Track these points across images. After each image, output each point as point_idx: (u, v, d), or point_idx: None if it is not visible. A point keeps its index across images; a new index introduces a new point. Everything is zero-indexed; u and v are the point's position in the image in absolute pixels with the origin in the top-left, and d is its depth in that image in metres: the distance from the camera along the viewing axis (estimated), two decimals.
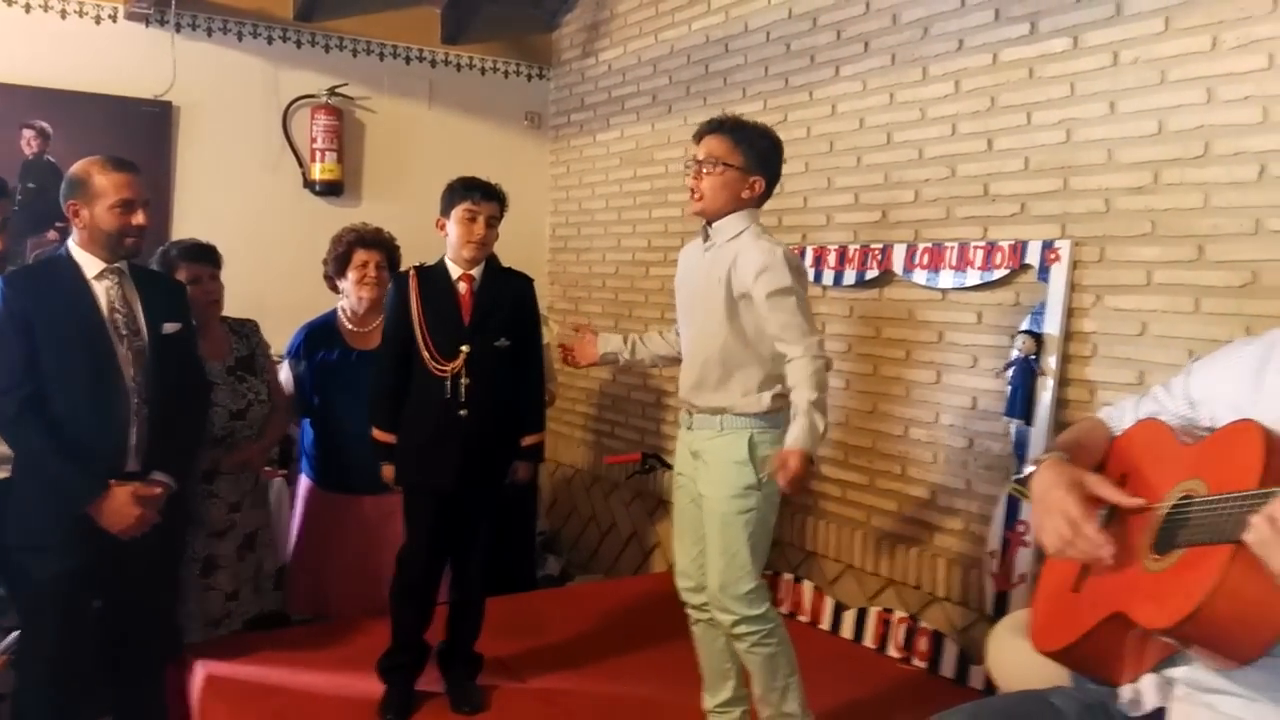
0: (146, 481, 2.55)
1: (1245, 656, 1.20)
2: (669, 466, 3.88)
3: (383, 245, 3.31)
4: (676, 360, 2.67)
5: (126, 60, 4.12)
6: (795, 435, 2.22)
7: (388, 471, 2.71)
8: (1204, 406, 1.46)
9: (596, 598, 3.67)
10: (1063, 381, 2.70)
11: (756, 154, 2.38)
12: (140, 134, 4.10)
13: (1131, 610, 1.32)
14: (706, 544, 2.38)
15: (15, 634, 2.74)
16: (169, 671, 2.91)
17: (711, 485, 2.36)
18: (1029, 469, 1.51)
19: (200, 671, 2.84)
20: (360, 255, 3.26)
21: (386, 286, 3.21)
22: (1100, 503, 1.45)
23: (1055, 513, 1.41)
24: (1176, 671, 1.37)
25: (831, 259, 3.35)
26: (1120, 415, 1.60)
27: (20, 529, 2.53)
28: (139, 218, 2.55)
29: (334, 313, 3.37)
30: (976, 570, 2.90)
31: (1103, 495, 1.42)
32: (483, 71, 4.87)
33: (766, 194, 2.42)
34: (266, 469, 3.35)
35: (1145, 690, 1.39)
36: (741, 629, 2.32)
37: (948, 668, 2.94)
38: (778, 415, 2.37)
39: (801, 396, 2.24)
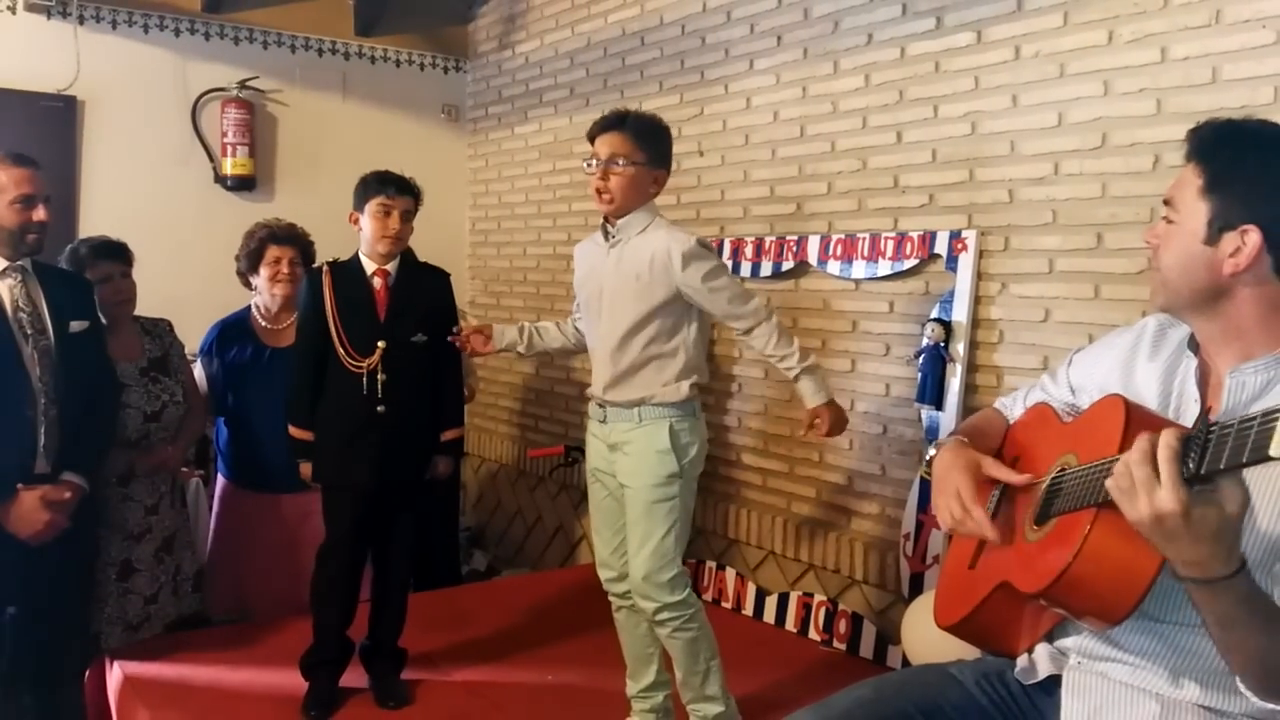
0: (57, 484, 2.50)
1: (1115, 616, 1.26)
2: None
3: (296, 241, 3.27)
4: (573, 352, 2.72)
5: (27, 53, 3.98)
6: (813, 391, 2.39)
7: (305, 469, 2.69)
8: (1084, 393, 1.55)
9: (523, 591, 3.68)
10: (971, 367, 2.79)
11: (657, 149, 2.42)
12: (44, 129, 3.96)
13: (1012, 578, 1.39)
14: (628, 533, 2.41)
15: None
16: (88, 675, 2.86)
17: (633, 475, 2.38)
18: (931, 452, 1.58)
19: (119, 673, 2.79)
20: (273, 251, 3.21)
21: (300, 283, 3.18)
22: (995, 483, 1.52)
23: (950, 494, 1.48)
24: (1068, 641, 1.44)
25: (749, 250, 3.40)
26: (1012, 404, 1.69)
27: None
28: (39, 213, 2.51)
29: (247, 310, 3.32)
30: (893, 553, 2.97)
31: (995, 475, 1.50)
32: (398, 64, 4.82)
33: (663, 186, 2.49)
34: (184, 469, 3.28)
35: (1039, 659, 1.46)
36: (664, 615, 2.35)
37: (866, 648, 3.01)
38: (692, 403, 2.43)
39: (791, 360, 2.39)
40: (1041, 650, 1.47)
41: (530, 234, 4.57)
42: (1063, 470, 1.38)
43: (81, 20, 4.06)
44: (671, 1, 3.75)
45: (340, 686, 2.71)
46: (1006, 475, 1.48)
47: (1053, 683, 1.44)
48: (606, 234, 2.46)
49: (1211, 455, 1.08)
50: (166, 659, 2.85)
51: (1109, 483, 1.17)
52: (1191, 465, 1.10)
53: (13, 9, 3.97)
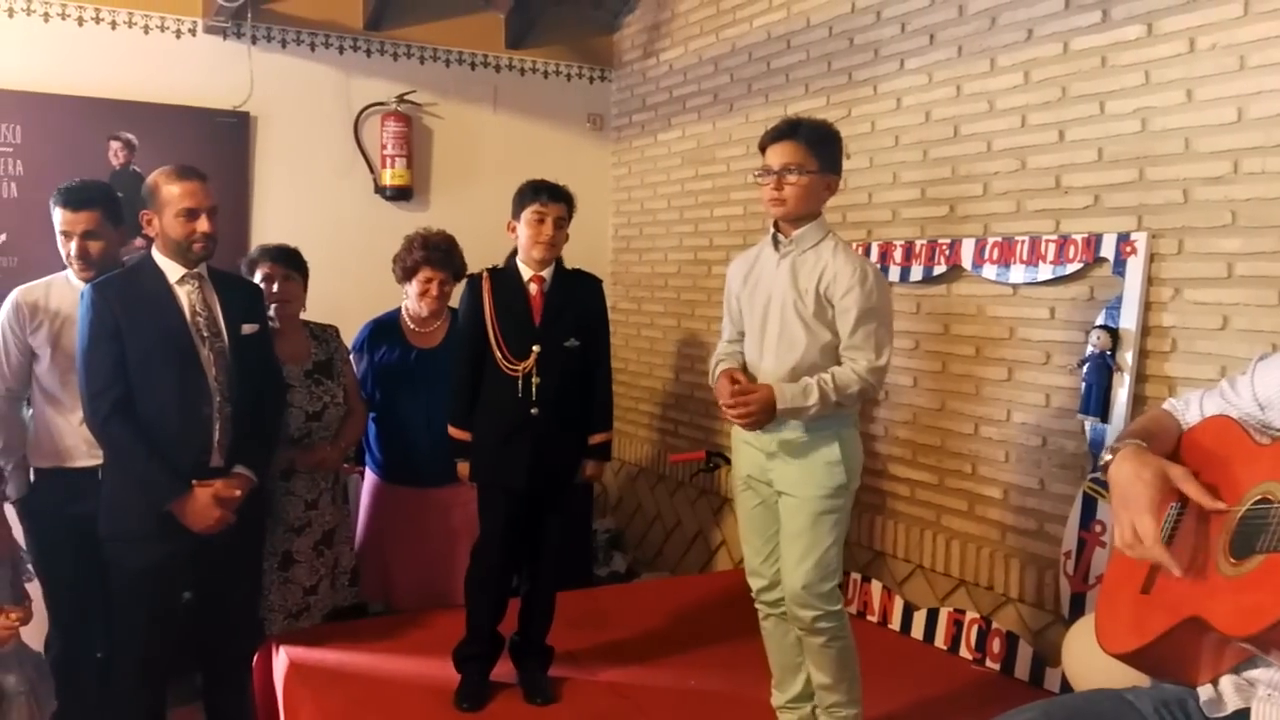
0: (229, 477, 2.64)
1: None
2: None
3: (450, 266, 3.34)
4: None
5: (206, 72, 4.25)
6: (789, 390, 2.24)
7: (463, 469, 2.78)
8: (1273, 410, 1.43)
9: (663, 594, 3.69)
10: (1140, 378, 2.64)
11: (829, 155, 2.38)
12: (220, 144, 4.22)
13: (1209, 615, 1.30)
14: (787, 543, 2.36)
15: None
16: (256, 658, 3.01)
17: (799, 485, 2.33)
18: (1106, 456, 1.50)
19: (285, 658, 2.93)
20: (426, 273, 3.31)
21: (446, 301, 3.31)
22: (1178, 495, 1.43)
23: (1131, 512, 1.39)
24: (1256, 673, 1.35)
25: (898, 254, 3.32)
26: (1185, 408, 1.57)
27: (112, 521, 2.65)
28: (203, 224, 2.63)
29: (399, 310, 3.45)
30: (1051, 571, 2.85)
31: (1187, 491, 1.40)
32: (546, 75, 4.93)
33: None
34: (345, 465, 3.41)
35: (1225, 691, 1.37)
36: (822, 624, 2.33)
37: (1022, 670, 2.89)
38: (853, 415, 2.39)
39: (829, 381, 2.25)
40: (1227, 682, 1.38)
41: (672, 240, 4.59)
42: (1266, 501, 1.28)
43: (254, 40, 4.31)
44: (819, 3, 3.71)
45: (490, 680, 2.78)
46: (1199, 494, 1.39)
47: (1239, 716, 1.35)
48: (777, 243, 2.42)
49: None
50: (329, 646, 2.98)
51: None
52: None
53: (193, 31, 4.25)
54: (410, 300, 3.38)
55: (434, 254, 3.31)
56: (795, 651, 2.48)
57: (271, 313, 3.08)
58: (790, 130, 2.37)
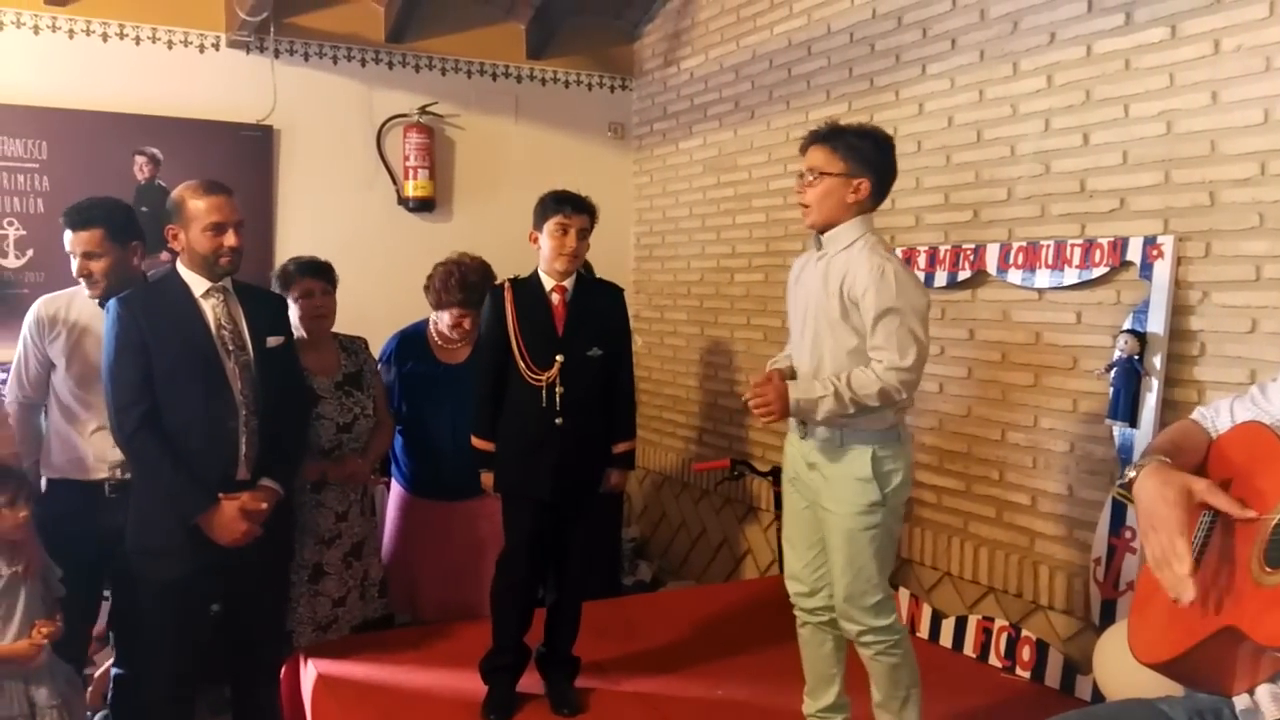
0: (256, 490, 2.65)
1: None
2: (757, 473, 3.87)
3: (480, 305, 3.35)
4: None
5: (229, 87, 4.29)
6: (802, 383, 2.25)
7: (487, 479, 2.78)
8: None
9: (690, 603, 3.68)
10: (1169, 382, 2.62)
11: (857, 155, 2.30)
12: (244, 157, 4.26)
13: (1244, 625, 1.28)
14: (829, 556, 2.34)
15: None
16: (284, 670, 3.03)
17: (835, 502, 2.30)
18: (1130, 474, 1.47)
19: (313, 671, 2.94)
20: (459, 312, 3.31)
21: (476, 328, 3.30)
22: (1206, 507, 1.41)
23: (1160, 532, 1.36)
24: None
25: (922, 260, 3.31)
26: (1215, 416, 1.55)
27: (140, 535, 2.67)
28: (230, 239, 2.64)
29: (426, 323, 3.46)
30: (1081, 578, 2.82)
31: (1214, 503, 1.38)
32: (567, 85, 4.94)
33: (879, 194, 2.33)
34: (371, 476, 3.42)
35: (1262, 700, 1.35)
36: (868, 638, 2.31)
37: (1052, 678, 2.87)
38: (897, 429, 2.33)
39: (844, 379, 2.21)
40: (1264, 691, 1.36)
41: (694, 247, 4.59)
42: None
43: (277, 54, 4.35)
44: (840, 9, 3.71)
45: (518, 692, 2.78)
46: (1228, 505, 1.37)
47: None
48: (819, 246, 2.38)
49: None
50: (356, 658, 2.99)
51: None
52: None
53: (216, 46, 4.29)
54: (441, 324, 3.39)
55: (470, 296, 3.28)
56: (831, 662, 2.46)
57: (308, 325, 3.10)
58: (819, 134, 2.34)
